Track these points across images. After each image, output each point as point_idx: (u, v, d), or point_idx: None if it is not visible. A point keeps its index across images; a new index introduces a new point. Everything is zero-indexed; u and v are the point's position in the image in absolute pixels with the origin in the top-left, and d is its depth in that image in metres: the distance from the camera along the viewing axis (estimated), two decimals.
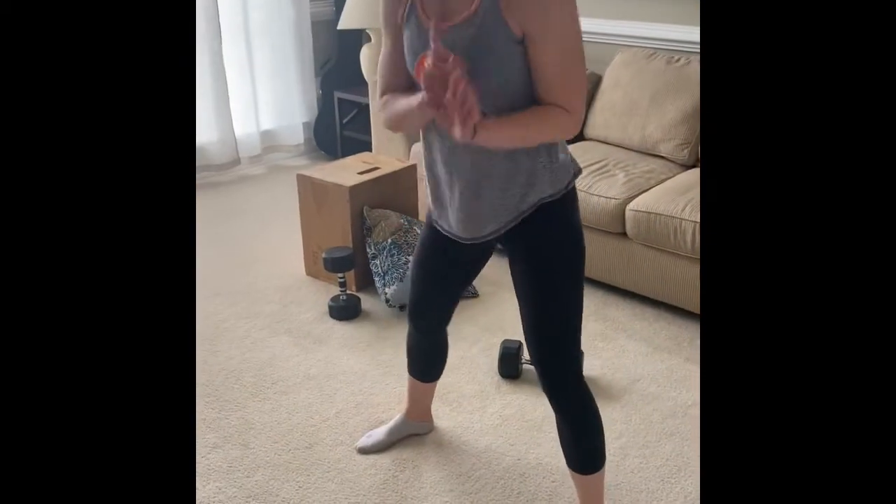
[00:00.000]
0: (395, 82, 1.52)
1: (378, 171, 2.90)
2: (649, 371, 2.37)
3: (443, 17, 1.37)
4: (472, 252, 1.63)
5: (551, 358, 1.57)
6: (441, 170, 1.51)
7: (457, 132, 1.28)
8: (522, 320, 1.59)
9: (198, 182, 4.10)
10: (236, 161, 4.21)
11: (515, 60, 1.36)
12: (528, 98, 1.40)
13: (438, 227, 1.62)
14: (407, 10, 1.43)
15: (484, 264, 1.74)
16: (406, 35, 1.44)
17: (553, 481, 1.93)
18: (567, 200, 1.51)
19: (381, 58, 1.55)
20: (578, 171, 1.54)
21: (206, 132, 4.06)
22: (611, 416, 2.15)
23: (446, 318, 1.84)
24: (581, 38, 1.36)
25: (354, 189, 2.78)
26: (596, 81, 3.21)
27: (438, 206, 1.59)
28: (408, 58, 1.45)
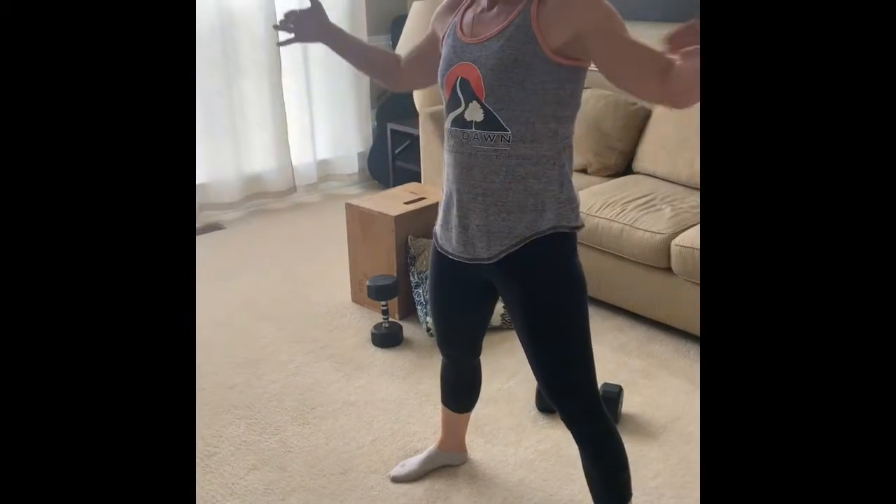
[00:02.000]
0: (409, 64, 1.76)
1: (424, 201, 2.95)
2: (690, 409, 2.32)
3: (475, 36, 1.48)
4: (480, 277, 1.61)
5: (563, 394, 1.58)
6: (451, 187, 1.55)
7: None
8: (529, 358, 1.59)
9: (255, 208, 4.24)
10: (293, 189, 4.34)
11: (542, 76, 1.39)
12: (552, 115, 1.43)
13: (443, 252, 1.63)
14: (449, 28, 1.56)
15: (497, 295, 1.70)
16: (444, 52, 1.55)
17: None
18: (569, 240, 1.52)
19: (412, 45, 1.77)
20: (582, 225, 1.54)
21: (264, 160, 4.20)
22: (648, 455, 2.11)
23: (475, 347, 1.85)
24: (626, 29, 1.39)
25: (400, 218, 2.83)
26: (646, 115, 3.20)
27: (445, 225, 1.61)
28: (441, 68, 1.55)
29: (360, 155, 4.61)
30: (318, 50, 4.29)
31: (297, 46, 4.22)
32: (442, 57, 1.55)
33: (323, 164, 4.53)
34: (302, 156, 4.40)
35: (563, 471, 2.07)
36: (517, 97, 1.41)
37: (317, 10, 1.74)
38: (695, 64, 1.20)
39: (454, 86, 1.49)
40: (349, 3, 4.27)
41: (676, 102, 1.34)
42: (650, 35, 1.39)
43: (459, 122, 1.49)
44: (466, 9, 1.54)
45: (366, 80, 4.46)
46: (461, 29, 1.51)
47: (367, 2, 4.35)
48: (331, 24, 1.76)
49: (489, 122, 1.44)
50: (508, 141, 1.44)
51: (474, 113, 1.46)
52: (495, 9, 1.46)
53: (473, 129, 1.46)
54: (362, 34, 4.36)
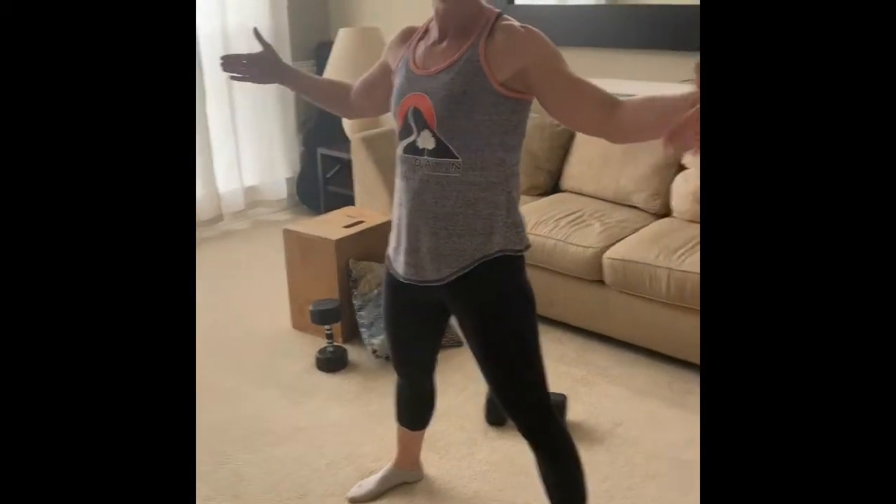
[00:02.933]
0: (360, 94, 1.81)
1: (362, 224, 2.99)
2: (630, 414, 2.44)
3: (427, 68, 1.55)
4: (432, 298, 1.66)
5: (518, 406, 1.66)
6: (403, 212, 1.60)
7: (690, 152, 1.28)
8: (483, 373, 1.66)
9: None
10: (220, 217, 4.28)
11: (489, 107, 1.48)
12: (499, 144, 1.51)
13: (394, 274, 1.68)
14: (402, 61, 1.62)
15: (448, 315, 1.75)
16: (396, 83, 1.61)
17: None
18: (517, 263, 1.60)
19: (364, 76, 1.82)
20: (529, 245, 1.63)
21: None
22: (596, 459, 2.21)
23: (429, 367, 1.90)
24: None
25: (340, 242, 2.86)
26: (571, 135, 3.35)
27: (396, 249, 1.66)
28: (394, 97, 1.61)
29: (289, 180, 4.60)
30: None
31: (219, 71, 4.18)
32: (395, 87, 1.61)
33: (251, 191, 4.50)
34: (228, 183, 4.35)
35: (516, 479, 2.14)
36: (466, 127, 1.49)
37: (269, 53, 1.77)
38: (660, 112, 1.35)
39: (406, 115, 1.55)
40: (273, 28, 4.28)
41: (617, 137, 1.48)
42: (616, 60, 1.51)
43: (411, 149, 1.56)
44: (419, 41, 1.61)
45: (291, 105, 4.47)
46: (413, 61, 1.58)
47: (292, 28, 4.37)
48: (283, 64, 1.79)
49: (440, 150, 1.51)
50: (458, 168, 1.51)
51: (426, 141, 1.53)
52: (445, 42, 1.54)
53: (425, 157, 1.53)
54: (286, 60, 4.37)
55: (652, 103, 1.40)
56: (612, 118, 1.44)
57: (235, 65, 1.75)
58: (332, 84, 1.87)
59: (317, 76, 1.90)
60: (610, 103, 1.45)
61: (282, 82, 1.80)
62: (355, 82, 1.84)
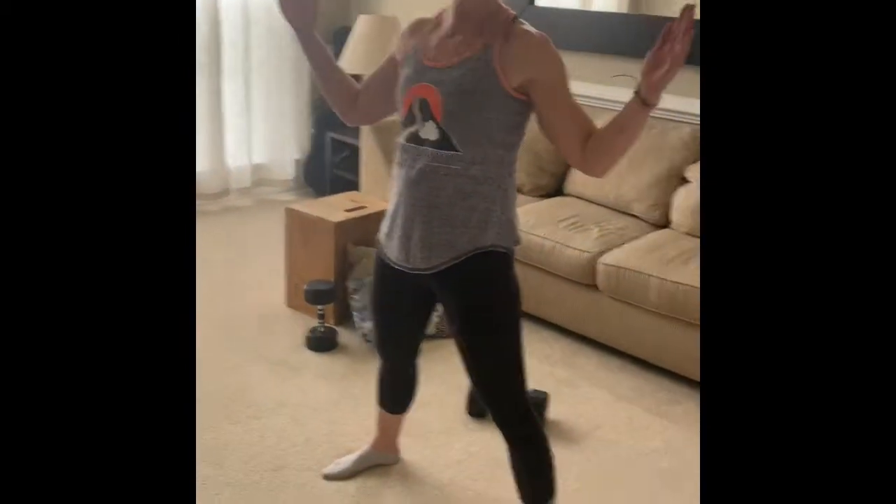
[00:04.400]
0: (366, 92, 1.76)
1: (364, 209, 3.02)
2: (610, 419, 2.46)
3: (438, 60, 1.56)
4: (420, 285, 1.68)
5: (497, 397, 1.69)
6: (399, 198, 1.63)
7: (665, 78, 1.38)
8: (464, 363, 1.68)
9: None
10: (226, 192, 4.32)
11: (497, 106, 1.52)
12: (501, 142, 1.55)
13: (386, 260, 1.70)
14: (411, 51, 1.63)
15: (436, 302, 1.76)
16: (404, 72, 1.62)
17: None
18: (507, 258, 1.63)
19: (371, 73, 1.78)
20: (519, 241, 1.66)
21: (198, 161, 4.17)
22: (570, 460, 2.23)
23: (412, 352, 1.93)
24: None
25: (340, 225, 2.89)
26: None
27: (389, 235, 1.68)
28: (401, 86, 1.62)
29: (297, 162, 4.63)
30: (261, 52, 4.31)
31: (239, 49, 4.22)
32: (403, 76, 1.63)
33: (258, 169, 4.53)
34: (237, 159, 4.39)
35: (491, 471, 2.17)
36: (472, 122, 1.52)
37: (312, 5, 1.63)
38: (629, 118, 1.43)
39: (412, 104, 1.58)
40: None
41: (589, 169, 1.56)
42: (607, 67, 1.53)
43: (413, 138, 1.58)
44: (430, 32, 1.63)
45: (305, 87, 4.50)
46: (424, 52, 1.60)
47: None
48: (315, 31, 1.69)
49: (443, 143, 1.54)
50: (459, 161, 1.54)
51: (429, 132, 1.55)
52: (459, 36, 1.56)
53: (427, 147, 1.56)
54: None
55: (607, 125, 1.51)
56: (584, 152, 1.53)
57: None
58: (347, 79, 1.77)
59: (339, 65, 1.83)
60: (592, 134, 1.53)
61: (305, 42, 1.67)
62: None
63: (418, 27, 1.68)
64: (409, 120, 1.59)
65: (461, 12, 1.55)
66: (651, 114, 1.46)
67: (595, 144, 1.51)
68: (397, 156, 1.63)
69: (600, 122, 1.53)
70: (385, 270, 1.73)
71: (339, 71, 1.76)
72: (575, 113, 1.54)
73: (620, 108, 1.48)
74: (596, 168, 1.54)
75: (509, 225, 1.62)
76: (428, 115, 1.55)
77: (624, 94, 1.50)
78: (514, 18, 1.55)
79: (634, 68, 1.42)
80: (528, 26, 1.55)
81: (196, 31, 3.93)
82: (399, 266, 1.66)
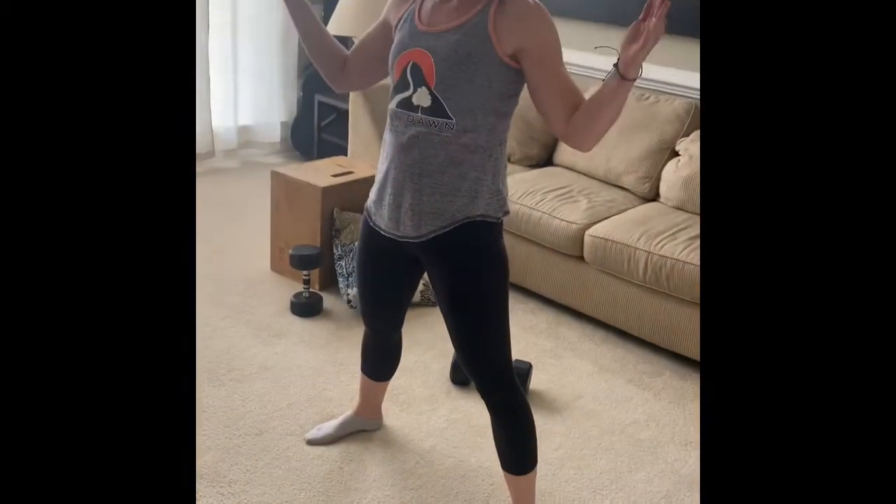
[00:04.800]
0: (356, 57, 1.73)
1: (352, 175, 2.99)
2: (592, 389, 2.48)
3: (433, 25, 1.53)
4: (407, 253, 1.67)
5: (481, 366, 1.68)
6: (389, 165, 1.61)
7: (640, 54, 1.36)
8: (450, 331, 1.68)
9: None
10: (211, 153, 4.26)
11: (491, 73, 1.49)
12: (493, 110, 1.53)
13: (374, 227, 1.68)
14: (404, 16, 1.59)
15: (422, 271, 1.76)
16: (398, 36, 1.59)
17: (491, 484, 2.02)
18: (496, 228, 1.61)
19: (361, 37, 1.74)
20: (508, 211, 1.64)
21: None
22: (552, 429, 2.25)
23: (397, 320, 1.92)
24: None
25: (327, 190, 2.85)
26: None
27: (378, 202, 1.66)
28: (393, 51, 1.59)
29: (283, 124, 4.57)
30: (249, 8, 4.21)
31: (226, 7, 4.14)
32: (395, 41, 1.59)
33: (244, 131, 4.47)
34: (223, 120, 4.32)
35: (473, 439, 2.18)
36: (465, 89, 1.49)
37: None
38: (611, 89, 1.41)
39: (405, 69, 1.55)
40: None
41: (573, 142, 1.54)
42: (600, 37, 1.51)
43: (405, 104, 1.55)
44: None
45: (294, 48, 4.42)
46: (419, 17, 1.57)
47: None
48: None
49: (435, 109, 1.51)
50: (451, 128, 1.52)
51: (422, 98, 1.52)
52: (454, 1, 1.53)
53: (419, 114, 1.53)
54: None
55: (590, 99, 1.49)
56: (568, 125, 1.51)
57: None
58: (335, 43, 1.74)
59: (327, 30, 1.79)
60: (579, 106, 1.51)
61: (292, 4, 1.64)
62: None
63: None
64: (402, 86, 1.56)
65: None
66: (634, 86, 1.44)
67: (578, 118, 1.50)
68: (388, 121, 1.61)
69: (588, 92, 1.51)
70: (372, 237, 1.71)
71: (327, 35, 1.72)
72: (564, 84, 1.52)
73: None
74: (579, 142, 1.52)
75: (499, 195, 1.60)
76: (420, 81, 1.52)
77: (609, 64, 1.48)
78: None
79: (619, 37, 1.38)
80: None
81: None
82: (388, 234, 1.64)
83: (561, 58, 1.52)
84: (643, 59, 1.37)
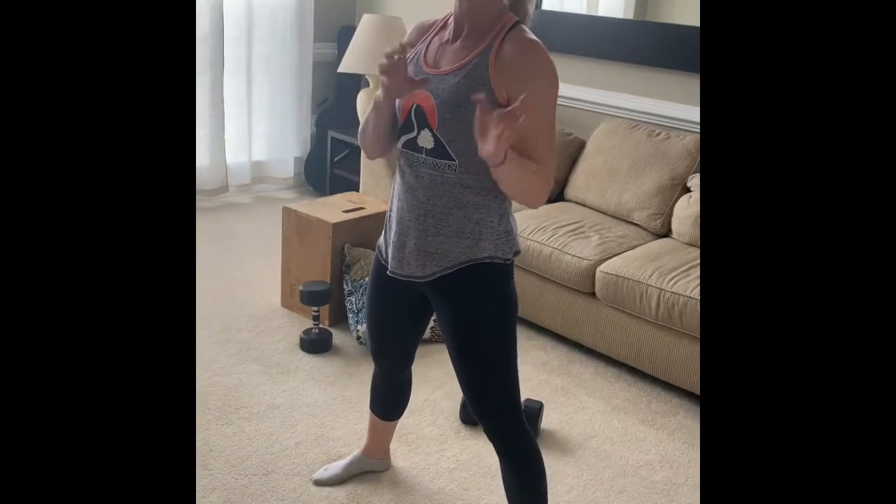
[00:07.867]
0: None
1: (363, 210, 2.99)
2: (605, 429, 2.43)
3: (437, 66, 1.53)
4: (416, 291, 1.66)
5: (489, 411, 1.65)
6: (397, 205, 1.61)
7: (492, 148, 1.34)
8: (457, 374, 1.65)
9: None
10: (224, 188, 4.29)
11: None
12: None
13: (384, 263, 1.68)
14: (414, 55, 1.59)
15: (433, 309, 1.73)
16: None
17: None
18: (505, 270, 1.59)
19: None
20: (519, 251, 1.62)
21: (198, 156, 4.14)
22: (563, 470, 2.20)
23: (407, 358, 1.90)
24: (556, 105, 1.49)
25: (338, 226, 2.86)
26: (580, 146, 3.35)
27: (386, 240, 1.66)
28: None
29: (297, 160, 4.60)
30: (263, 47, 4.27)
31: (242, 45, 4.20)
32: None
33: (258, 166, 4.50)
34: (237, 155, 4.36)
35: (483, 481, 2.14)
36: (467, 132, 1.47)
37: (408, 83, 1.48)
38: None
39: (410, 111, 1.55)
40: (297, 8, 4.28)
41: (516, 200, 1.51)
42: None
43: (411, 145, 1.55)
44: (434, 35, 1.60)
45: (308, 84, 4.47)
46: (425, 57, 1.57)
47: (316, 8, 4.37)
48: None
49: (438, 151, 1.51)
50: (455, 170, 1.51)
51: (425, 140, 1.52)
52: (459, 42, 1.53)
53: (423, 155, 1.53)
54: (308, 41, 4.38)
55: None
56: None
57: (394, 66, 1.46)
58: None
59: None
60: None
61: (387, 104, 1.55)
62: None
63: (421, 31, 1.64)
64: (408, 127, 1.56)
65: (462, 16, 1.51)
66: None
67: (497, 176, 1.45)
68: (398, 161, 1.61)
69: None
70: (382, 275, 1.70)
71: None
72: (529, 132, 1.42)
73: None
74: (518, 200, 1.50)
75: (507, 235, 1.59)
76: (424, 122, 1.52)
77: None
78: (516, 24, 1.51)
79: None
80: (525, 32, 1.49)
81: (197, 26, 3.90)
82: (394, 274, 1.64)
83: (546, 104, 1.45)
84: (501, 150, 1.33)
